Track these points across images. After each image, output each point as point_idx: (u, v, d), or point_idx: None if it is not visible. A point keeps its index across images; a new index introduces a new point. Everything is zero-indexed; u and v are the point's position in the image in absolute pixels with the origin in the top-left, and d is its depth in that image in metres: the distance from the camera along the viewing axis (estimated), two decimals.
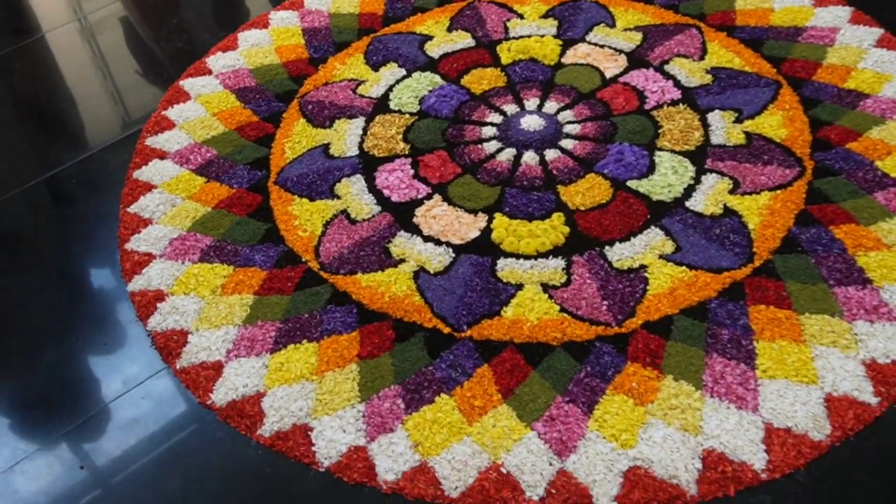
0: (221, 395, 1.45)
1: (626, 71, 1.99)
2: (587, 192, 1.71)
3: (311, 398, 1.42)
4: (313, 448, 1.36)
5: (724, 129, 1.81)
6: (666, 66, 1.98)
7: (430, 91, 1.99)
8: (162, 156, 1.92)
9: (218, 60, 2.17)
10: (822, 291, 1.49)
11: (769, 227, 1.60)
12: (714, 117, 1.84)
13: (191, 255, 1.68)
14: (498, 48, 2.09)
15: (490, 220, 1.68)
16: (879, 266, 1.51)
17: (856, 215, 1.60)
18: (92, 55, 2.39)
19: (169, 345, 1.53)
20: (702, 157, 1.76)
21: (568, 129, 1.86)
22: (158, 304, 1.60)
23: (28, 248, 1.83)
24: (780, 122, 1.81)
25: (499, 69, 2.03)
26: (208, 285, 1.62)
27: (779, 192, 1.67)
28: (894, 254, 1.53)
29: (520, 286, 1.55)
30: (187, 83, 2.11)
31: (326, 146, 1.89)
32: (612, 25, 2.13)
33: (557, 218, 1.66)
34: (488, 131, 1.88)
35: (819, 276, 1.51)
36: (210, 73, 2.14)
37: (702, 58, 2.00)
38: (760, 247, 1.57)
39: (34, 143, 2.10)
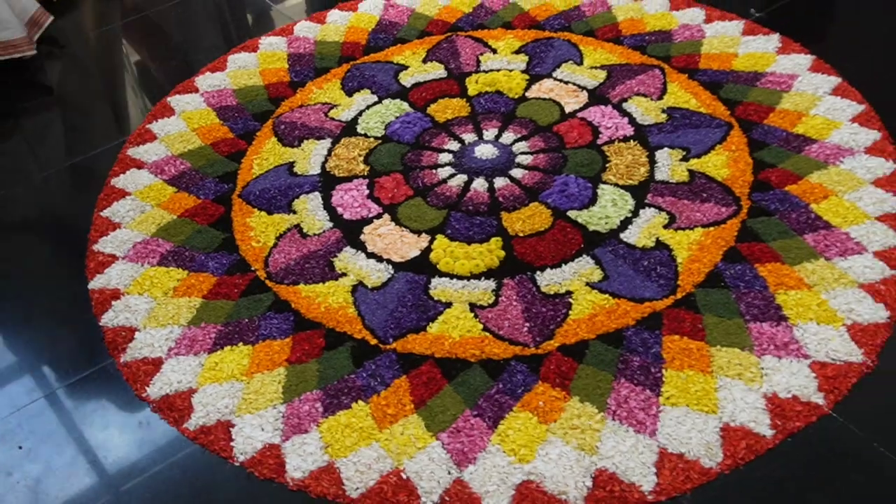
0: (157, 388, 1.54)
1: (585, 107, 2.05)
2: (528, 219, 1.77)
3: (237, 397, 1.50)
4: (232, 443, 1.44)
5: (669, 166, 1.86)
6: (624, 104, 2.05)
7: (397, 117, 2.08)
8: (140, 166, 2.03)
9: (205, 80, 2.29)
10: (737, 326, 1.52)
11: (696, 261, 1.65)
12: (662, 154, 1.90)
13: (150, 259, 1.78)
14: (467, 80, 2.18)
15: (432, 241, 1.75)
16: (797, 304, 1.55)
17: (782, 255, 1.64)
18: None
19: (116, 340, 1.63)
20: (644, 191, 1.81)
21: (520, 159, 1.93)
22: (114, 302, 1.70)
23: (9, 244, 1.95)
24: (724, 161, 1.86)
25: (465, 100, 2.12)
26: (162, 287, 1.72)
27: (712, 228, 1.71)
28: (814, 294, 1.57)
29: (449, 304, 1.62)
30: (174, 100, 2.23)
31: (292, 164, 1.99)
32: (580, 63, 2.20)
33: (495, 242, 1.73)
34: (444, 158, 1.96)
35: (737, 311, 1.55)
36: (196, 91, 2.26)
37: (660, 97, 2.05)
38: (685, 280, 1.62)
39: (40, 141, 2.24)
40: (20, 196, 2.05)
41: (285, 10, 2.70)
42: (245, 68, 2.32)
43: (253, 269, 1.74)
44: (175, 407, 1.50)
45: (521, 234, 1.74)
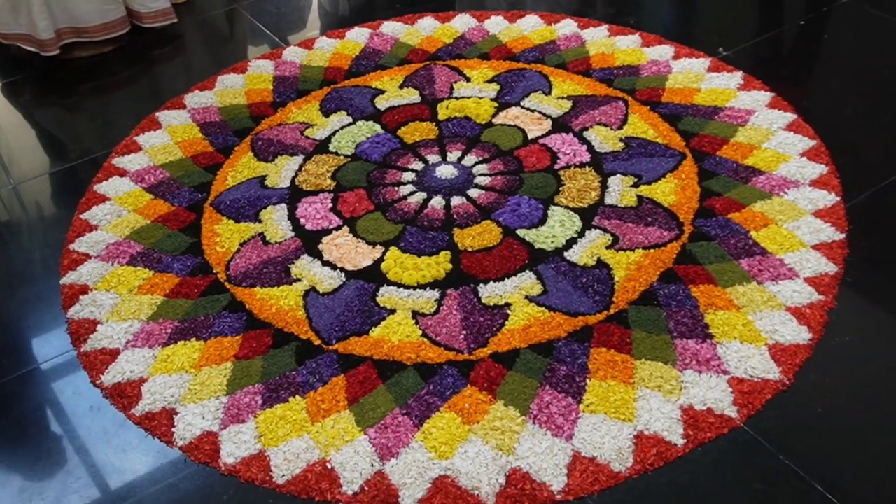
0: (110, 377, 1.64)
1: (547, 134, 2.16)
2: (478, 235, 1.87)
3: (184, 387, 1.60)
4: (173, 429, 1.53)
5: (619, 191, 1.95)
6: (585, 132, 2.15)
7: (368, 138, 2.20)
8: (122, 174, 2.16)
9: (194, 97, 2.43)
10: (664, 341, 1.60)
11: (633, 280, 1.73)
12: (614, 180, 1.99)
13: (121, 259, 1.90)
14: (438, 105, 2.30)
15: (385, 252, 1.85)
16: (724, 324, 1.62)
17: (716, 277, 1.72)
18: None
19: (79, 331, 1.74)
20: (592, 214, 1.90)
21: (479, 180, 2.03)
22: (81, 297, 1.82)
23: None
24: (672, 189, 1.94)
25: (434, 123, 2.23)
26: (127, 285, 1.83)
27: (652, 250, 1.79)
28: (742, 314, 1.64)
29: (393, 311, 1.71)
30: (162, 115, 2.37)
31: (263, 177, 2.11)
32: (548, 93, 2.31)
33: (444, 256, 1.82)
34: (407, 176, 2.06)
35: (665, 327, 1.62)
36: (184, 107, 2.40)
37: (620, 127, 2.15)
38: (620, 297, 1.70)
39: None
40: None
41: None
42: (232, 88, 2.46)
43: (214, 271, 1.85)
44: (125, 394, 1.60)
45: (469, 250, 1.84)
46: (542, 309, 1.68)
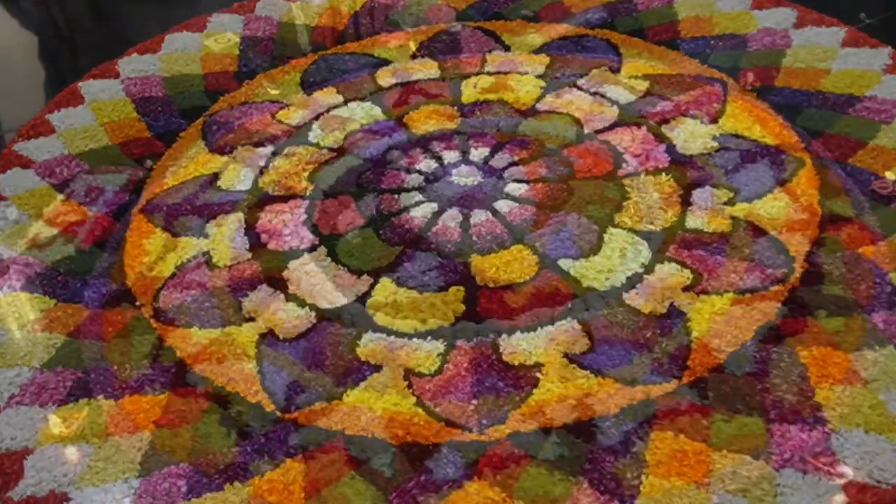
0: None
1: (612, 126, 2.13)
2: (505, 266, 1.85)
3: (82, 463, 1.59)
4: None
5: (708, 210, 1.91)
6: (665, 127, 2.12)
7: (362, 125, 2.19)
8: (26, 164, 2.19)
9: (130, 63, 2.46)
10: (755, 425, 1.55)
11: (717, 337, 1.68)
12: (702, 195, 1.95)
13: (13, 282, 1.91)
14: (464, 83, 2.29)
15: (374, 285, 1.83)
16: (843, 405, 1.57)
17: (837, 337, 1.66)
18: None
19: None
20: (667, 241, 1.86)
21: (511, 188, 2.01)
22: None
23: None
24: (782, 209, 1.90)
25: (455, 108, 2.22)
26: (20, 318, 1.84)
27: (748, 295, 1.75)
28: (870, 392, 1.58)
29: (378, 368, 1.69)
30: (86, 85, 2.41)
31: (216, 176, 2.12)
32: (616, 70, 2.28)
33: (455, 293, 1.80)
34: (413, 180, 2.05)
35: (759, 406, 1.58)
36: (117, 76, 2.42)
37: (715, 121, 2.12)
38: (698, 361, 1.65)
39: None
40: None
41: None
42: (184, 52, 2.48)
43: (138, 303, 1.85)
44: (2, 470, 1.60)
45: (491, 285, 1.81)
46: (586, 373, 1.65)
